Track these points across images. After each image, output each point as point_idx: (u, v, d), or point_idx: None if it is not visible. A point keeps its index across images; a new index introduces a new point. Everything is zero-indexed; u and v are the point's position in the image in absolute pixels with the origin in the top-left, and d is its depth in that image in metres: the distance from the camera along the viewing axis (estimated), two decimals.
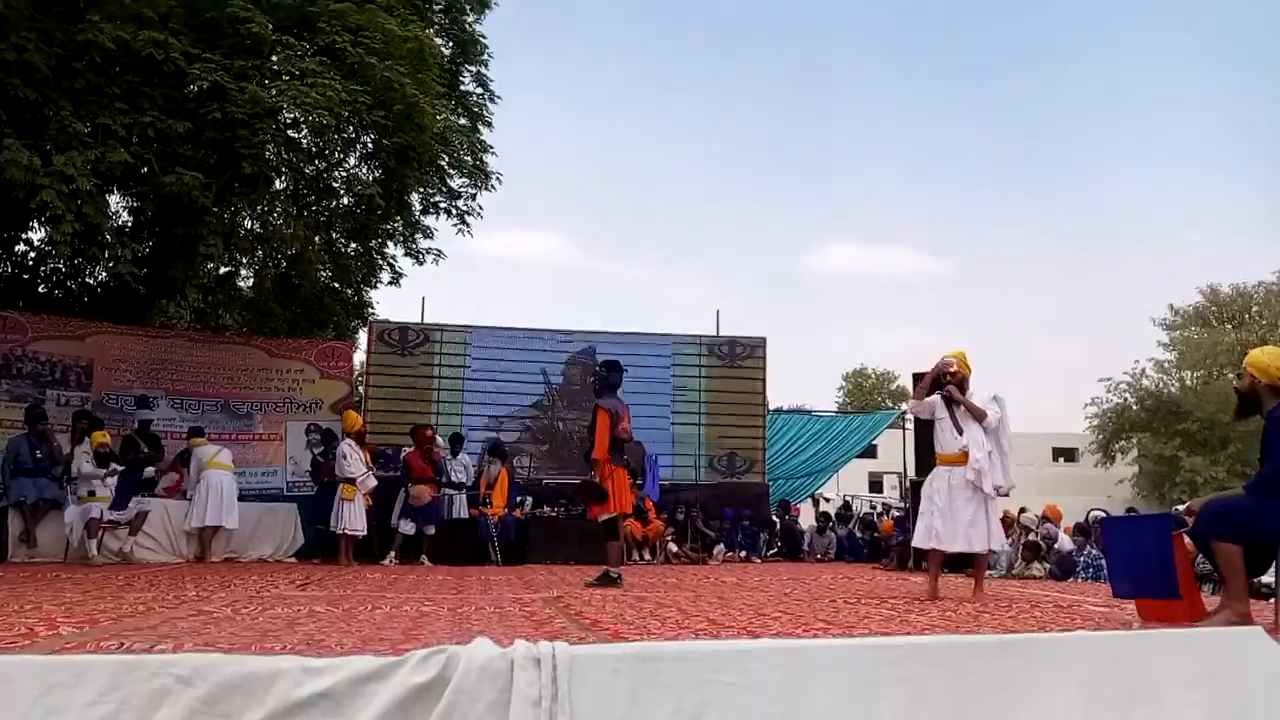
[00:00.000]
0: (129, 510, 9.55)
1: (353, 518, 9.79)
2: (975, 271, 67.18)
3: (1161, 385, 33.19)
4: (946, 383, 6.29)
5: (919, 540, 6.35)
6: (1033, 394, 58.08)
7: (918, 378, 8.00)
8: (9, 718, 1.73)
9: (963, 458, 6.07)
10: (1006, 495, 6.53)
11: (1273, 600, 4.58)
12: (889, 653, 2.13)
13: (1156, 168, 64.25)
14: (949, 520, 6.02)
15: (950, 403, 6.27)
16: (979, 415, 6.16)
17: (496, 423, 13.41)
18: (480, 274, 68.75)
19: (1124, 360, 49.95)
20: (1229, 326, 34.53)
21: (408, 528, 10.29)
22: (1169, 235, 61.00)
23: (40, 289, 12.97)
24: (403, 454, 11.18)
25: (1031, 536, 10.37)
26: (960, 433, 6.15)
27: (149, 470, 10.11)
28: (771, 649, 2.17)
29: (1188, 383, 33.09)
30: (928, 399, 6.44)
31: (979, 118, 66.98)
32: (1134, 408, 32.20)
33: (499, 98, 13.35)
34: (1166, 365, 34.20)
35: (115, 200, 11.95)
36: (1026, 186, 66.91)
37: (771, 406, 17.35)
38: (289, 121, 10.38)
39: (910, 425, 13.54)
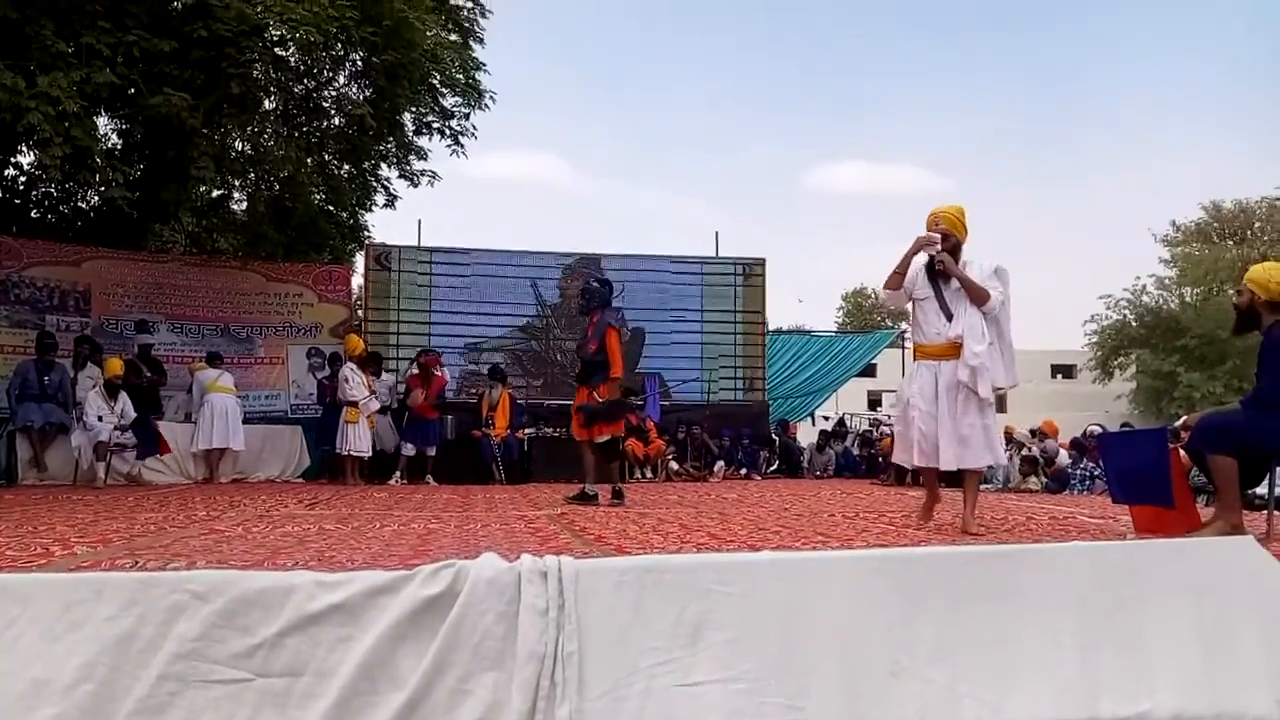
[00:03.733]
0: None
1: (357, 439, 9.92)
2: (978, 189, 66.58)
3: (1162, 302, 33.15)
4: (935, 254, 4.78)
5: (901, 456, 5.07)
6: (1033, 312, 58.15)
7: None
8: (34, 633, 1.78)
9: (953, 349, 4.69)
10: (1003, 393, 5.19)
11: (1265, 511, 4.66)
12: (885, 563, 2.18)
13: (1161, 84, 63.06)
14: (936, 429, 4.71)
15: (937, 277, 4.79)
16: (979, 296, 4.66)
17: (475, 350, 13.26)
18: (478, 196, 68.17)
19: (1125, 278, 49.85)
20: (1230, 242, 34.33)
21: (409, 450, 10.47)
22: (1173, 152, 60.21)
23: (33, 214, 12.86)
24: (404, 377, 11.31)
25: (1027, 451, 10.50)
26: (950, 318, 4.73)
27: None
28: (771, 560, 2.23)
29: (1188, 299, 33.02)
30: (907, 276, 4.91)
31: (983, 36, 65.44)
32: (1133, 324, 32.25)
33: (490, 11, 12.99)
34: (1167, 282, 34.11)
35: (104, 122, 11.76)
36: (1030, 105, 65.80)
37: (771, 327, 17.38)
38: (276, 39, 10.15)
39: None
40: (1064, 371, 38.57)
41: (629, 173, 76.33)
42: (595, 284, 7.35)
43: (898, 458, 5.26)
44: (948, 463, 4.68)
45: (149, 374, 10.63)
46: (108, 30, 8.65)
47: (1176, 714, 2.05)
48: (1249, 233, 34.78)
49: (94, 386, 9.45)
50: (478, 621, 1.90)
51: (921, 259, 4.87)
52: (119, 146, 12.56)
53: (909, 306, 4.99)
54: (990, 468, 10.51)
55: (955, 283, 4.74)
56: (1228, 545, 2.53)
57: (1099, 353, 33.05)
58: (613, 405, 6.86)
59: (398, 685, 1.81)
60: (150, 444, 9.50)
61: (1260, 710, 2.08)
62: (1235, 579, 2.39)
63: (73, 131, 8.44)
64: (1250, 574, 2.40)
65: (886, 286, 5.02)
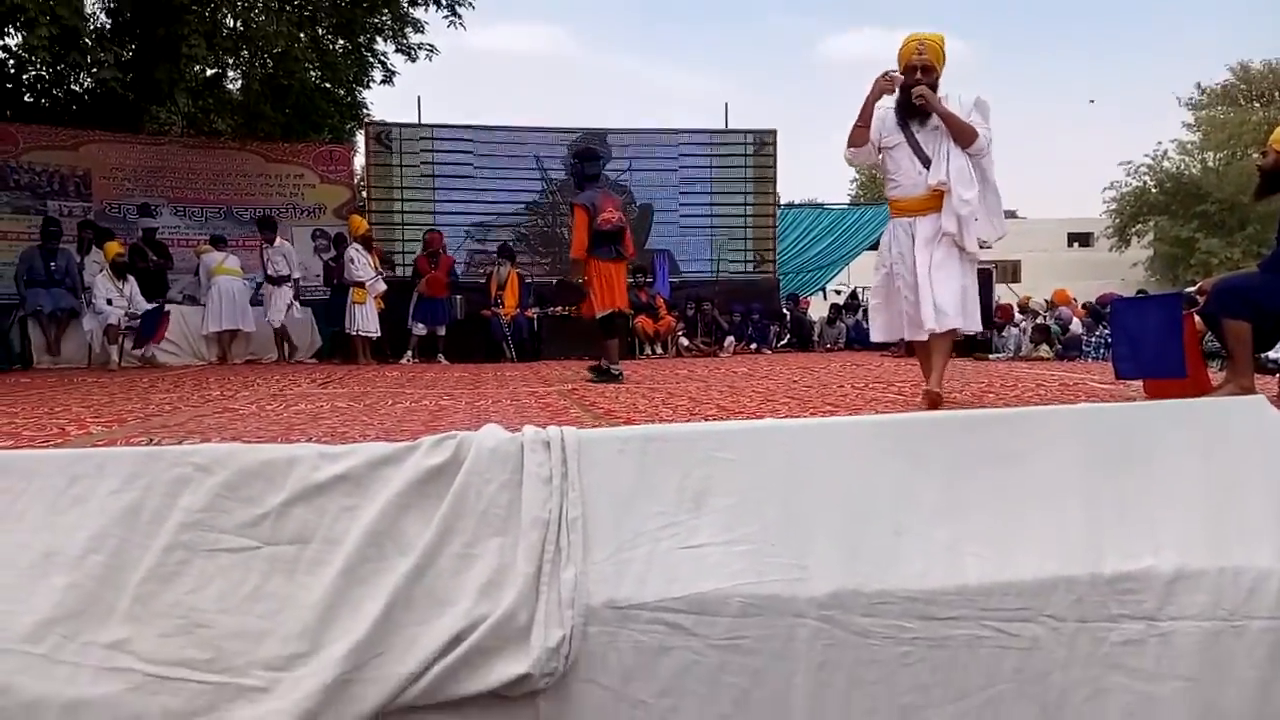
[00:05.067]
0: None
1: (365, 320, 9.95)
2: (1000, 54, 64.24)
3: (1183, 167, 32.31)
4: (914, 82, 4.07)
5: (882, 333, 4.43)
6: (1050, 180, 56.95)
7: None
8: (39, 507, 1.80)
9: (933, 200, 4.08)
10: (989, 247, 4.63)
11: (1278, 375, 4.64)
12: (888, 428, 2.17)
13: None
14: (917, 295, 4.10)
15: (908, 119, 4.13)
16: (964, 135, 4.02)
17: (481, 229, 13.13)
18: (479, 71, 66.31)
19: (1148, 145, 48.51)
20: (1257, 104, 33.11)
21: (419, 329, 10.51)
22: (1202, 13, 57.59)
23: (26, 98, 12.60)
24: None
25: (1041, 320, 10.45)
26: (927, 163, 4.09)
27: None
28: (774, 427, 2.22)
29: (1210, 164, 32.15)
30: (872, 125, 4.22)
31: None
32: (1153, 190, 31.56)
33: None
34: (1189, 146, 33.16)
35: (91, 1, 11.39)
36: None
37: (783, 201, 17.10)
38: None
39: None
40: (1081, 240, 38.03)
41: (636, 45, 73.89)
42: (574, 160, 7.09)
43: (877, 336, 4.52)
44: (927, 320, 4.03)
45: (155, 258, 10.61)
46: None
47: (1179, 569, 2.06)
48: (1278, 94, 33.52)
49: (100, 270, 9.45)
50: (482, 489, 1.91)
51: (887, 101, 4.19)
52: (108, 26, 12.20)
53: (879, 159, 4.31)
54: (1001, 335, 10.48)
55: (932, 122, 4.06)
56: (1237, 405, 2.50)
57: (1117, 220, 32.48)
58: (560, 286, 6.68)
59: (405, 551, 1.84)
60: (148, 332, 9.44)
61: (1263, 563, 2.09)
62: (1244, 438, 2.37)
63: (58, 10, 8.19)
64: (1259, 433, 2.37)
65: (850, 144, 4.28)
